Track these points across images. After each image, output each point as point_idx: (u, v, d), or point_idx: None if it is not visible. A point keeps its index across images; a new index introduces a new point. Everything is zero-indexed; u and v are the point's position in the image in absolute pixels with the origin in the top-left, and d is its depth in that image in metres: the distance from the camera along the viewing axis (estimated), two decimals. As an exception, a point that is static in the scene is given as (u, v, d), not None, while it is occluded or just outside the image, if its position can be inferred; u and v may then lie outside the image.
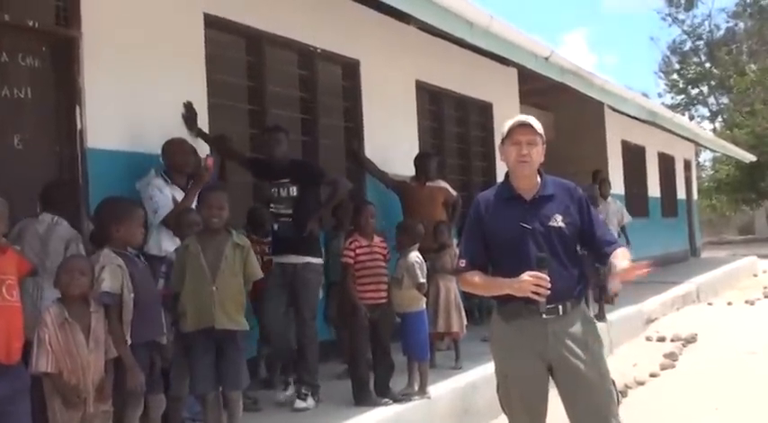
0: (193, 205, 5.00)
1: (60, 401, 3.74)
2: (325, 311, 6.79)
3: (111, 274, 4.02)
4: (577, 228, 3.54)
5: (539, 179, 3.58)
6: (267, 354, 6.20)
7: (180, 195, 5.23)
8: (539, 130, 3.53)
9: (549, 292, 3.35)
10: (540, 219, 3.49)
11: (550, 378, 3.55)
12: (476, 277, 3.58)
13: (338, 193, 6.10)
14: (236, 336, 4.54)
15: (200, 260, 4.46)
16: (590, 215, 3.60)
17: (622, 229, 11.38)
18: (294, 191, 5.83)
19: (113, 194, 4.77)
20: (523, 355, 3.52)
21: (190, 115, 6.03)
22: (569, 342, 3.47)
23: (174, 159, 5.37)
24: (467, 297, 7.25)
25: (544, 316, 3.43)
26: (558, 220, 3.49)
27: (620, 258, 3.45)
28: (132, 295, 4.07)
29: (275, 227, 5.86)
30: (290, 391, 5.72)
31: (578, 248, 3.62)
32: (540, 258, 3.38)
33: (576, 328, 3.50)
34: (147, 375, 4.13)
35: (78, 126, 5.20)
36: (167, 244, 5.05)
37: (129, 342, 4.04)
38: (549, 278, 3.34)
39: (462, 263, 3.62)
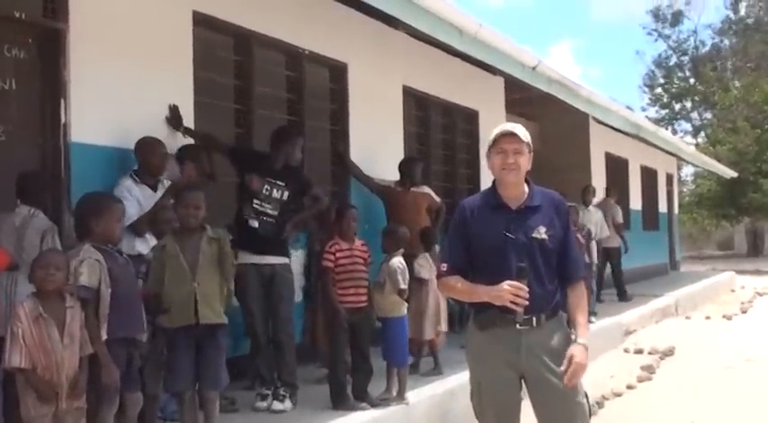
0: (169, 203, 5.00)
1: (34, 397, 3.70)
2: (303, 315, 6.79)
3: (90, 268, 3.99)
4: (559, 240, 3.54)
5: (526, 189, 3.58)
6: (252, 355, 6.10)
7: (148, 196, 5.18)
8: (525, 139, 3.52)
9: (527, 302, 3.35)
10: (524, 229, 3.49)
11: (524, 387, 3.55)
12: (456, 282, 3.57)
13: (316, 208, 6.21)
14: (217, 332, 4.53)
15: (180, 259, 4.48)
16: (568, 233, 3.61)
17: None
18: (285, 195, 5.86)
19: (96, 190, 4.75)
20: (496, 364, 3.52)
21: (174, 117, 5.98)
22: (542, 354, 3.47)
23: (146, 159, 5.31)
24: (448, 304, 7.25)
25: (518, 326, 3.43)
26: (541, 232, 3.49)
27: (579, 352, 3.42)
28: (109, 290, 4.04)
29: (255, 224, 5.78)
30: (268, 401, 5.62)
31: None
32: (520, 268, 3.38)
33: (551, 341, 3.50)
34: (123, 372, 4.09)
35: (62, 119, 5.15)
36: (140, 246, 5.02)
37: (105, 338, 4.00)
38: (527, 289, 3.34)
39: (444, 267, 3.62)
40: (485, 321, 3.53)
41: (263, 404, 5.57)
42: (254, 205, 5.79)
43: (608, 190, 14.02)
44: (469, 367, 3.70)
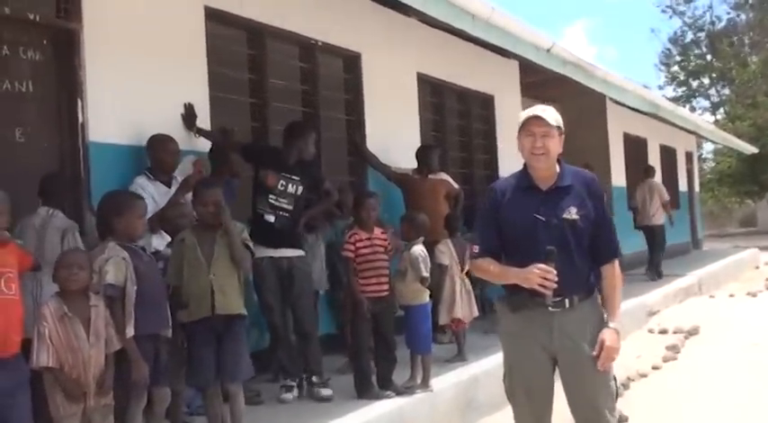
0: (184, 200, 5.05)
1: (62, 396, 3.73)
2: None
3: (116, 266, 4.02)
4: (591, 221, 3.51)
5: (557, 169, 3.55)
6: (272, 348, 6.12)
7: (162, 192, 5.22)
8: (554, 122, 3.49)
9: (555, 285, 3.34)
10: (554, 210, 3.47)
11: (556, 369, 3.56)
12: (489, 265, 3.58)
13: (326, 204, 6.29)
14: (235, 325, 4.55)
15: (197, 252, 4.52)
16: (603, 213, 3.58)
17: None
18: (300, 190, 5.90)
19: (114, 188, 4.78)
20: (528, 346, 3.52)
21: (189, 115, 6.00)
22: (575, 336, 3.47)
23: (158, 156, 5.36)
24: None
25: (550, 308, 3.43)
26: (572, 213, 3.47)
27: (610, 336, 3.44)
28: (135, 287, 4.07)
29: (271, 218, 5.81)
30: (295, 392, 5.68)
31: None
32: (548, 252, 3.37)
33: (584, 323, 3.49)
34: (150, 368, 4.12)
35: (80, 119, 5.19)
36: (156, 242, 5.04)
37: (133, 334, 4.04)
38: (555, 272, 3.33)
39: (476, 249, 3.63)
40: (516, 303, 3.53)
41: (289, 396, 5.60)
42: (270, 200, 5.80)
43: (647, 170, 14.29)
44: (502, 349, 3.70)
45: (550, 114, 3.50)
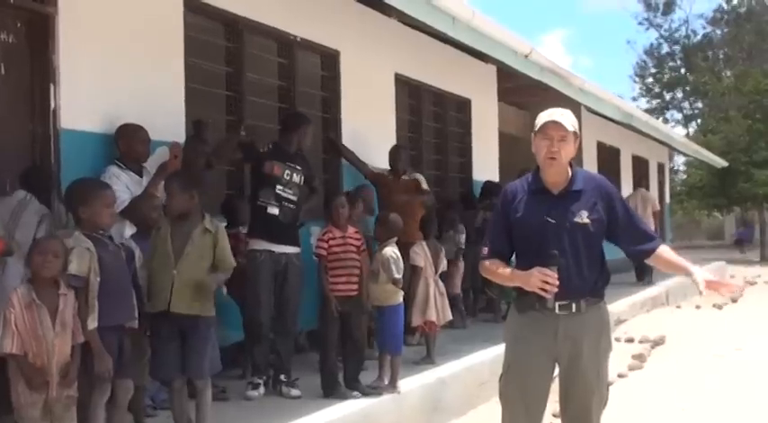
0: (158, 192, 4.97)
1: (24, 383, 3.67)
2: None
3: (79, 256, 3.95)
4: (604, 225, 3.53)
5: (569, 173, 3.57)
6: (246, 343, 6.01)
7: (135, 182, 5.15)
8: (572, 127, 3.50)
9: (556, 289, 3.36)
10: (565, 214, 3.50)
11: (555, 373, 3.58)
12: (496, 267, 3.60)
13: (314, 199, 6.21)
14: (199, 323, 4.46)
15: (167, 244, 4.46)
16: (625, 208, 3.62)
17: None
18: (302, 180, 5.91)
19: (85, 176, 4.71)
20: (531, 348, 3.54)
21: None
22: (578, 339, 3.49)
23: (129, 145, 5.26)
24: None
25: (557, 311, 3.45)
26: (583, 217, 3.49)
27: (699, 270, 3.51)
28: (98, 279, 3.99)
29: (275, 211, 5.73)
30: (261, 390, 5.62)
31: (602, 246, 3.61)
32: (550, 255, 3.40)
33: (588, 327, 3.51)
34: (114, 360, 4.05)
35: (52, 105, 5.10)
36: (129, 231, 4.98)
37: (96, 326, 3.97)
38: (557, 276, 3.35)
39: (485, 251, 3.66)
40: (524, 304, 3.56)
41: (255, 393, 5.55)
42: (278, 191, 5.75)
43: (641, 180, 16.38)
44: (505, 348, 3.71)
45: (568, 119, 3.51)
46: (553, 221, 3.47)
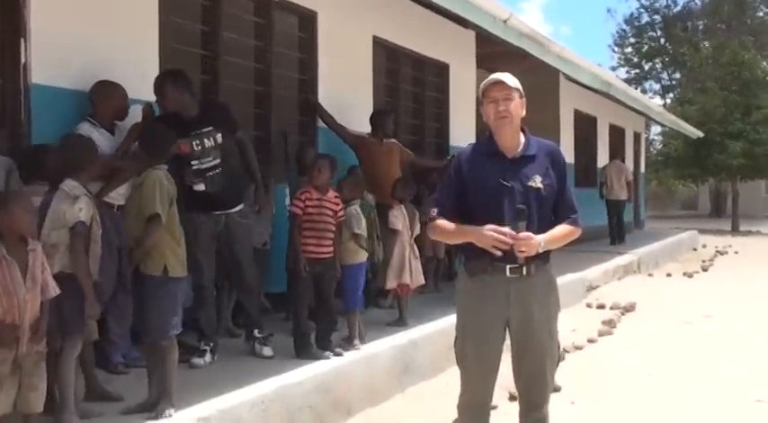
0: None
1: (-6, 339, 3.65)
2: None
3: (87, 204, 4.02)
4: (554, 190, 3.58)
5: (522, 138, 3.61)
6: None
7: (106, 139, 5.08)
8: (514, 85, 3.55)
9: (508, 247, 3.38)
10: (519, 178, 3.53)
11: (507, 334, 3.61)
12: (445, 225, 3.60)
13: (250, 152, 5.91)
14: (147, 281, 4.41)
15: (127, 204, 4.66)
16: (564, 180, 3.66)
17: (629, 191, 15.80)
18: (219, 138, 5.52)
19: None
20: (483, 311, 3.57)
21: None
22: (529, 302, 3.54)
23: (105, 103, 5.17)
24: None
25: (508, 275, 3.48)
26: (537, 181, 3.54)
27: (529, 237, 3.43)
28: (101, 231, 4.08)
29: (201, 187, 5.46)
30: (208, 358, 5.41)
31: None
32: (519, 210, 3.42)
33: (538, 290, 3.57)
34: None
35: (22, 60, 5.02)
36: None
37: (97, 274, 4.08)
38: (515, 232, 3.37)
39: (434, 212, 3.67)
40: (475, 268, 3.58)
41: (200, 361, 5.34)
42: (194, 167, 5.44)
43: (617, 151, 17.20)
44: (457, 312, 3.74)
45: (509, 78, 3.57)
46: (508, 184, 3.50)
